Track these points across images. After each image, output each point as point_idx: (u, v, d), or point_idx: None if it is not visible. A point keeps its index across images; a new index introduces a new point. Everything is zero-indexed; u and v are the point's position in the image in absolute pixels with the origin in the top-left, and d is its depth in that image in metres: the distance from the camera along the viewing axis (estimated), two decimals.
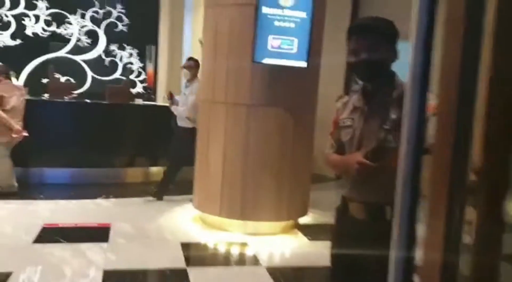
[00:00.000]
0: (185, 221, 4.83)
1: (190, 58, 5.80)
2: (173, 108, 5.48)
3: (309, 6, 4.24)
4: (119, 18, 8.73)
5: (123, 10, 8.74)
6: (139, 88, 8.84)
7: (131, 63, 8.89)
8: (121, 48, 8.78)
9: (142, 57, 8.81)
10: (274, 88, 4.41)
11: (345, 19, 7.60)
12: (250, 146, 4.43)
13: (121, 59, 8.84)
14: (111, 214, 4.94)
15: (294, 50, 4.29)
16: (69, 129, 6.13)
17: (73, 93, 6.52)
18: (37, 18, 8.35)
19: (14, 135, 5.23)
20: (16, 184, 5.39)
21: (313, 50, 4.35)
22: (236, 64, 4.42)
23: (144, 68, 8.81)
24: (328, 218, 5.25)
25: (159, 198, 5.45)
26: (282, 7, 4.20)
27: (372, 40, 1.83)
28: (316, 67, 4.66)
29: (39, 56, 8.36)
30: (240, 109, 4.44)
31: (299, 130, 4.55)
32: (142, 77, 8.90)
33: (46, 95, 6.69)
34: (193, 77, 5.51)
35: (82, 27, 8.62)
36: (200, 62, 4.89)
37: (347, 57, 1.88)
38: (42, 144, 5.85)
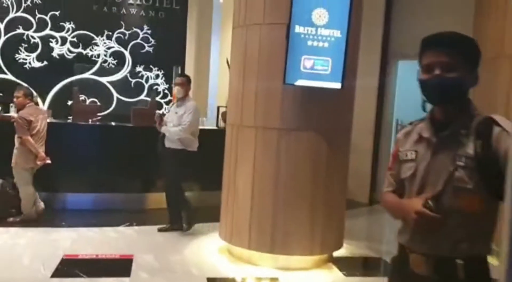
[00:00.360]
0: (211, 252, 4.56)
1: (182, 75, 5.49)
2: (164, 129, 5.06)
3: (344, 25, 3.99)
4: (145, 39, 8.66)
5: (149, 31, 8.67)
6: (164, 110, 8.70)
7: (157, 85, 8.78)
8: (147, 69, 8.69)
9: (168, 78, 8.68)
10: (307, 111, 4.15)
11: (376, 40, 7.35)
12: (281, 172, 4.16)
13: (147, 81, 8.74)
14: (134, 244, 4.71)
15: (328, 71, 4.03)
16: (93, 153, 5.98)
17: (97, 116, 6.38)
18: (63, 39, 8.34)
19: (38, 162, 5.10)
20: (43, 206, 5.24)
21: (348, 70, 4.09)
22: (266, 86, 4.19)
23: (170, 89, 8.67)
24: (364, 250, 4.94)
25: (179, 228, 5.12)
26: (316, 26, 3.96)
27: (452, 56, 1.52)
28: (351, 88, 4.39)
29: (65, 78, 8.33)
30: (270, 133, 4.18)
31: (333, 156, 4.26)
32: (168, 98, 8.77)
33: (71, 118, 6.58)
34: (185, 95, 5.20)
35: (108, 48, 8.57)
36: (228, 84, 4.67)
37: (419, 74, 1.58)
38: (66, 168, 5.71)
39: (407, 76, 7.66)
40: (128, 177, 6.11)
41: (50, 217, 5.32)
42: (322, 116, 4.18)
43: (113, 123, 6.70)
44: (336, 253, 4.46)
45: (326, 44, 3.98)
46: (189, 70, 8.55)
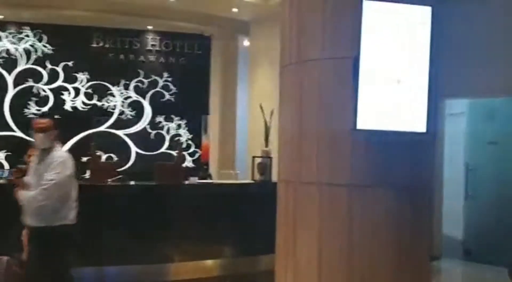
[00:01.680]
0: None
1: (43, 116, 4.37)
2: (20, 194, 3.68)
3: (426, 53, 3.28)
4: (165, 87, 8.12)
5: (169, 78, 8.12)
6: (188, 162, 8.00)
7: (179, 135, 8.12)
8: (169, 119, 8.08)
9: (192, 128, 8.05)
10: (384, 162, 3.37)
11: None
12: (354, 241, 3.34)
13: (168, 132, 8.09)
14: None
15: (409, 111, 3.29)
16: (111, 218, 5.23)
17: (117, 174, 5.67)
18: (77, 91, 7.79)
19: None
20: None
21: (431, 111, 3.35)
22: (331, 132, 3.44)
23: (194, 140, 8.02)
24: None
25: None
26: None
27: None
28: (433, 133, 3.62)
29: (78, 132, 7.74)
30: (338, 191, 3.39)
31: (418, 219, 3.45)
32: (192, 149, 8.09)
33: (86, 176, 5.91)
34: (51, 144, 3.71)
35: (126, 98, 8.02)
36: (278, 132, 3.93)
37: None
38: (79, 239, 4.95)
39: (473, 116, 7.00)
40: (150, 245, 5.32)
41: None
42: (403, 168, 3.40)
43: (132, 183, 5.92)
44: None
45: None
46: (214, 118, 7.96)
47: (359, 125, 3.26)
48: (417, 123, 3.31)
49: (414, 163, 3.48)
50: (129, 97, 8.04)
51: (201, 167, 6.80)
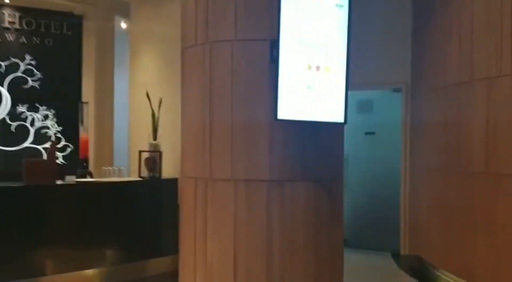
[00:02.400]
0: None
1: None
2: None
3: (344, 40, 3.18)
4: (28, 72, 7.09)
5: (33, 62, 7.12)
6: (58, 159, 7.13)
7: (47, 128, 7.19)
8: (33, 109, 7.09)
9: (61, 118, 7.17)
10: (303, 154, 3.21)
11: None
12: (273, 237, 3.17)
13: (32, 123, 7.10)
14: None
15: (328, 100, 3.16)
16: None
17: None
18: None
19: None
20: None
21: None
22: (247, 124, 3.17)
23: (64, 133, 7.16)
24: None
25: None
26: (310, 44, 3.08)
27: None
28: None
29: None
30: (256, 188, 3.16)
31: (333, 207, 3.41)
32: (63, 144, 7.22)
33: None
34: None
35: None
36: (181, 123, 3.55)
37: None
38: None
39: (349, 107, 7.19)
40: (19, 258, 4.60)
41: None
42: (320, 160, 3.27)
43: None
44: None
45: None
46: (90, 107, 7.16)
47: (281, 115, 3.04)
48: (334, 113, 3.20)
49: (330, 154, 3.38)
50: None
51: (79, 163, 6.03)
